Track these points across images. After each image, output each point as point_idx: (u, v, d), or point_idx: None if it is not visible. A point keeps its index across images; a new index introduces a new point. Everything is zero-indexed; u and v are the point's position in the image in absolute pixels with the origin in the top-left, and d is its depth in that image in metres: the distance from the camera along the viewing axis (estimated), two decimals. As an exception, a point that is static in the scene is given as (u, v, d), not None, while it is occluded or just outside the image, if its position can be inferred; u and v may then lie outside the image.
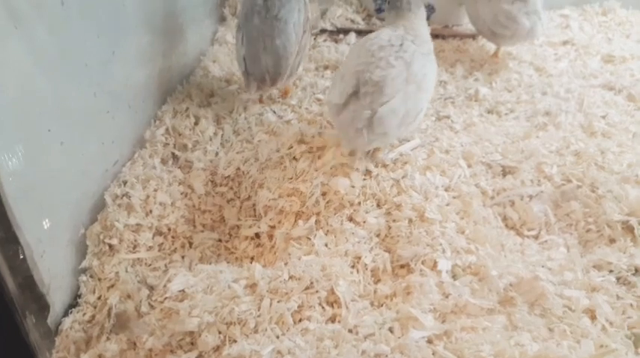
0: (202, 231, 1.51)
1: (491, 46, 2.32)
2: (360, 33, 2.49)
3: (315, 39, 2.41)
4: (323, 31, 2.48)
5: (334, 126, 1.65)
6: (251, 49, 1.76)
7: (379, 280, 1.32)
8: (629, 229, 1.42)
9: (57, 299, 1.28)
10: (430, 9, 2.45)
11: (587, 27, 2.58)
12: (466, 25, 2.44)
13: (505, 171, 1.62)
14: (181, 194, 1.58)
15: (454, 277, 1.28)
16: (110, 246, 1.42)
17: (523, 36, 2.11)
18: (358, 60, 1.51)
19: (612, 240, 1.41)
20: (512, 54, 2.30)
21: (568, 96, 2.00)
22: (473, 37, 2.44)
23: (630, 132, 1.76)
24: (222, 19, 2.59)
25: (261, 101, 1.99)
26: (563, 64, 2.25)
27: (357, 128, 1.44)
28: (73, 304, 1.35)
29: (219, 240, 1.52)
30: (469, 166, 1.62)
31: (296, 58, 1.82)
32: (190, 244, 1.48)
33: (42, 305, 1.22)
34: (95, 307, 1.32)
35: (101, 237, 1.42)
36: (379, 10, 2.55)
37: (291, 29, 1.76)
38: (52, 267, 1.26)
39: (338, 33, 2.49)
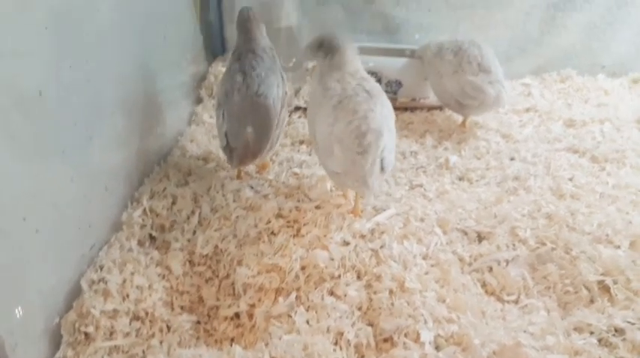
0: (181, 314, 1.48)
1: (458, 116, 2.42)
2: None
3: (290, 116, 2.49)
4: (297, 108, 2.58)
5: (345, 186, 1.72)
6: (233, 125, 1.82)
7: (363, 356, 1.30)
8: (605, 289, 1.44)
9: (29, 395, 1.23)
10: (398, 84, 2.57)
11: (547, 94, 2.73)
12: (432, 98, 2.55)
13: (480, 237, 1.66)
14: (159, 276, 1.56)
15: (437, 348, 1.27)
16: (86, 334, 1.37)
17: (490, 104, 2.21)
18: (344, 121, 1.56)
19: (590, 301, 1.43)
20: (479, 123, 2.40)
21: (535, 161, 2.08)
22: (440, 108, 2.55)
23: (597, 193, 1.83)
24: (198, 100, 2.66)
25: (239, 177, 2.02)
26: (528, 129, 2.36)
27: (376, 175, 1.55)
28: (46, 399, 1.29)
29: (198, 322, 1.49)
30: (445, 233, 1.65)
31: (275, 131, 1.87)
32: (169, 328, 1.44)
33: (13, 403, 1.16)
34: (69, 401, 1.26)
35: (76, 325, 1.38)
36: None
37: (270, 104, 1.82)
38: (24, 360, 1.21)
39: (311, 109, 2.58)
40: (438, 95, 2.38)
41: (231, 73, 1.89)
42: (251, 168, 2.06)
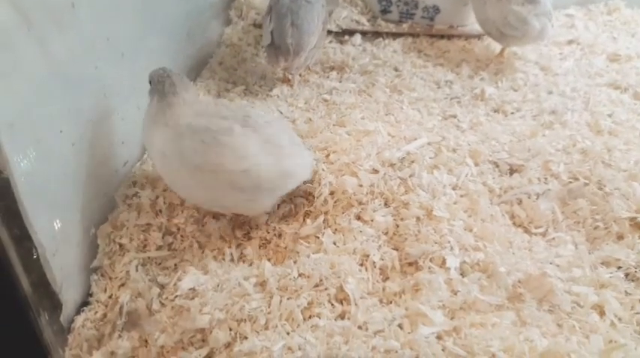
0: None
1: (496, 46, 2.33)
2: (365, 34, 2.51)
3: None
4: (329, 32, 2.50)
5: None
6: (279, 23, 1.96)
7: (387, 278, 1.32)
8: (636, 226, 1.42)
9: (69, 298, 1.29)
10: (435, 10, 2.46)
11: (592, 26, 2.58)
12: (472, 26, 2.45)
13: (512, 170, 1.63)
14: (190, 194, 1.59)
15: (462, 274, 1.29)
16: (120, 245, 1.43)
17: (533, 37, 2.11)
18: None
19: (620, 237, 1.42)
20: (518, 54, 2.31)
21: (574, 95, 2.01)
22: (478, 37, 2.45)
23: (637, 130, 1.77)
24: (228, 22, 2.60)
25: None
26: (569, 63, 2.26)
27: None
28: (85, 302, 1.36)
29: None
30: (476, 164, 1.62)
31: (315, 37, 2.00)
32: (199, 244, 1.49)
33: (55, 304, 1.23)
34: (107, 305, 1.33)
35: (112, 236, 1.44)
36: (384, 12, 2.56)
37: (315, 12, 1.99)
38: (64, 266, 1.27)
39: (343, 34, 2.51)
40: (479, 22, 2.27)
41: None
42: (284, 91, 2.05)
